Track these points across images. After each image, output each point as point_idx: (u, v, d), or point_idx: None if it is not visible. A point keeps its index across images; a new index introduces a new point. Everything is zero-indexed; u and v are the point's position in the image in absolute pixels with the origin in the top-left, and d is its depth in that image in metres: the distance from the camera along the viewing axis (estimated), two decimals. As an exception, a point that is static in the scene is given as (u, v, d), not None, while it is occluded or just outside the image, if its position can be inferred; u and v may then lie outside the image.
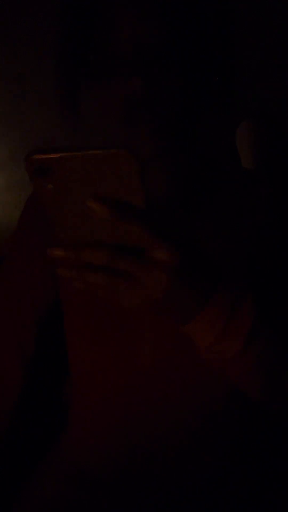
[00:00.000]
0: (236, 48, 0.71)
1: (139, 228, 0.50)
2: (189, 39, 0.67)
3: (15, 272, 0.84)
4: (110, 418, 0.77)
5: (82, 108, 0.73)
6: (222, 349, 0.57)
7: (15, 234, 0.85)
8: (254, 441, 0.79)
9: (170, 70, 0.66)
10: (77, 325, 0.79)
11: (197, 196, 0.74)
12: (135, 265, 0.51)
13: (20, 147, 1.59)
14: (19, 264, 0.84)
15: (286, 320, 0.62)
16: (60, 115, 0.74)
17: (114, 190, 0.48)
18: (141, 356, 0.73)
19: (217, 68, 0.71)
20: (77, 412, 0.83)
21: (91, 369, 0.78)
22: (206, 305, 0.56)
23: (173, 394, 0.74)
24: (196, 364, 0.64)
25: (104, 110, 0.68)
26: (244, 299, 0.57)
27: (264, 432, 0.80)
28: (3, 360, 0.84)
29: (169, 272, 0.52)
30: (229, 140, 1.35)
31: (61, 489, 0.80)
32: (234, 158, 1.34)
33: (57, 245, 0.52)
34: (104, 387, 0.77)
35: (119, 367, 0.75)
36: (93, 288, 0.53)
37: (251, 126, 1.36)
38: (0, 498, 0.84)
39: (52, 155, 0.47)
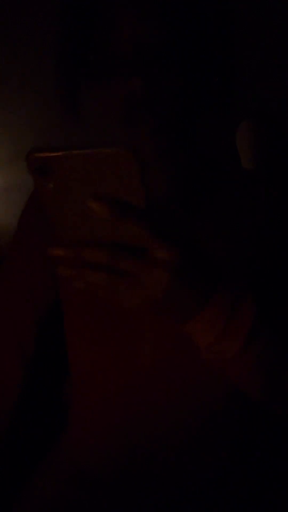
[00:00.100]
0: (236, 48, 0.71)
1: (139, 227, 0.50)
2: (189, 39, 0.67)
3: (15, 272, 0.84)
4: (110, 418, 0.77)
5: (82, 108, 0.73)
6: (222, 349, 0.57)
7: (15, 234, 0.85)
8: (254, 441, 0.79)
9: (170, 70, 0.66)
10: (77, 325, 0.79)
11: (197, 196, 0.74)
12: (135, 264, 0.51)
13: (20, 147, 1.59)
14: (19, 264, 0.84)
15: (286, 320, 0.62)
16: (60, 115, 0.74)
17: (114, 189, 0.48)
18: (141, 356, 0.73)
19: (217, 68, 0.71)
20: (77, 412, 0.83)
21: (91, 369, 0.78)
22: (206, 305, 0.56)
23: (173, 394, 0.73)
24: (196, 364, 0.64)
25: (104, 110, 0.68)
26: (244, 299, 0.57)
27: (264, 432, 0.80)
28: (3, 360, 0.84)
29: (169, 271, 0.52)
30: (229, 140, 1.35)
31: (61, 489, 0.80)
32: (234, 158, 1.34)
33: (58, 245, 0.52)
34: (104, 387, 0.77)
35: (119, 367, 0.75)
36: (93, 288, 0.53)
37: (251, 126, 1.36)
38: (0, 498, 0.84)
39: (53, 154, 0.47)
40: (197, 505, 0.75)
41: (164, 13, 0.65)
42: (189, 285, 0.54)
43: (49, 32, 0.72)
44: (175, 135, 0.69)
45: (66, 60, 0.72)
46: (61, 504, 0.79)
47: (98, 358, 0.76)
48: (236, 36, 0.71)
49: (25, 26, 1.55)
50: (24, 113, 1.62)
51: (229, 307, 0.56)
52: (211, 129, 0.74)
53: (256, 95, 1.43)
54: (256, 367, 0.60)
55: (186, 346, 0.60)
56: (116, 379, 0.75)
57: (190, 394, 0.73)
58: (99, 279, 0.52)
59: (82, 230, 0.51)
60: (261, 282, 0.66)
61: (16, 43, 1.57)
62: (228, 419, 0.75)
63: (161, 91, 0.65)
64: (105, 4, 0.66)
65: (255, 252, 0.73)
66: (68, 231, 0.52)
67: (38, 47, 1.51)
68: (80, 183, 0.48)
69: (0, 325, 0.85)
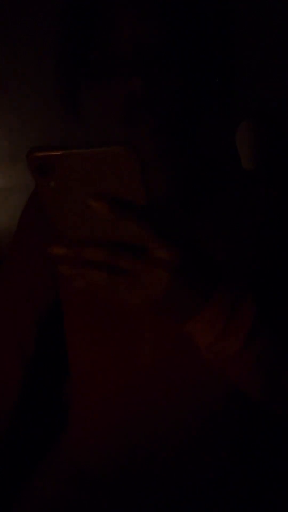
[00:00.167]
0: (236, 48, 0.71)
1: (139, 226, 0.50)
2: (189, 39, 0.67)
3: (15, 272, 0.84)
4: (110, 418, 0.77)
5: (82, 108, 0.73)
6: (222, 349, 0.57)
7: (15, 234, 0.85)
8: (254, 441, 0.79)
9: (170, 70, 0.66)
10: (77, 325, 0.79)
11: (197, 196, 0.74)
12: (135, 264, 0.51)
13: (20, 147, 1.59)
14: (19, 264, 0.84)
15: (286, 320, 0.62)
16: (60, 115, 0.74)
17: (115, 188, 0.48)
18: (141, 356, 0.73)
19: (217, 68, 0.71)
20: (77, 412, 0.83)
21: (91, 369, 0.78)
22: (206, 305, 0.56)
23: (173, 394, 0.73)
24: (196, 364, 0.64)
25: (104, 110, 0.68)
26: (244, 299, 0.57)
27: (264, 432, 0.80)
28: (3, 360, 0.84)
29: (170, 271, 0.52)
30: (229, 140, 1.35)
31: (61, 489, 0.80)
32: (234, 158, 1.33)
33: (58, 244, 0.52)
34: (104, 387, 0.77)
35: (119, 367, 0.75)
36: (93, 287, 0.53)
37: (251, 126, 1.36)
38: (0, 498, 0.84)
39: (53, 153, 0.47)
40: (197, 505, 0.75)
41: (164, 13, 0.65)
42: (189, 285, 0.54)
43: (49, 32, 0.72)
44: (175, 135, 0.69)
45: (66, 60, 0.72)
46: (61, 504, 0.79)
47: (98, 358, 0.76)
48: (236, 36, 0.71)
49: (25, 26, 1.55)
50: (24, 113, 1.62)
51: (229, 307, 0.56)
52: (211, 129, 0.74)
53: (256, 95, 1.43)
54: (256, 367, 0.60)
55: (186, 346, 0.60)
56: (116, 379, 0.75)
57: (190, 394, 0.73)
58: (99, 279, 0.52)
59: (83, 230, 0.51)
60: (261, 282, 0.66)
61: (16, 43, 1.57)
62: (228, 419, 0.75)
63: (161, 91, 0.65)
64: (105, 4, 0.66)
65: (255, 252, 0.73)
66: (69, 230, 0.52)
67: (38, 47, 1.51)
68: (80, 182, 0.48)
69: (0, 325, 0.85)
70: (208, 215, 0.74)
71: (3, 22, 1.56)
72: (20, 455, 0.90)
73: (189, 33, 0.67)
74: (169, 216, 0.71)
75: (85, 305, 0.76)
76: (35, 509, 0.80)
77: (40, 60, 1.47)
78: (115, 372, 0.75)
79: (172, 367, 0.73)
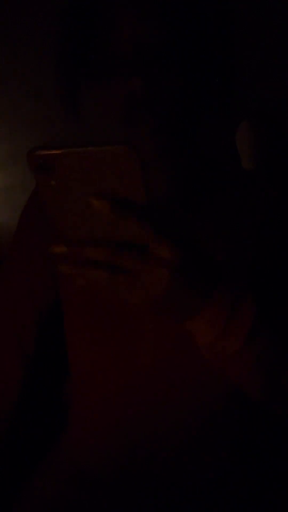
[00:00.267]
0: (236, 48, 0.71)
1: (140, 225, 0.50)
2: (189, 39, 0.67)
3: (15, 272, 0.84)
4: (110, 418, 0.77)
5: (82, 108, 0.73)
6: (222, 349, 0.57)
7: (15, 234, 0.85)
8: (254, 441, 0.79)
9: (170, 70, 0.66)
10: (77, 325, 0.79)
11: (197, 196, 0.74)
12: (136, 263, 0.51)
13: (20, 147, 1.59)
14: (19, 264, 0.84)
15: (286, 320, 0.62)
16: (60, 115, 0.74)
17: (115, 187, 0.48)
18: (141, 356, 0.73)
19: (217, 68, 0.71)
20: (77, 412, 0.83)
21: (91, 369, 0.78)
22: (206, 304, 0.56)
23: (173, 394, 0.73)
24: (196, 364, 0.64)
25: (104, 110, 0.68)
26: (244, 299, 0.57)
27: (264, 432, 0.80)
28: (3, 360, 0.84)
29: (170, 271, 0.52)
30: (229, 140, 1.35)
31: (61, 489, 0.80)
32: (234, 158, 1.34)
33: (59, 242, 0.52)
34: (104, 387, 0.77)
35: (119, 367, 0.75)
36: (93, 286, 0.53)
37: (251, 126, 1.36)
38: (0, 498, 0.84)
39: (54, 151, 0.47)
40: (197, 505, 0.75)
41: (164, 13, 0.65)
42: (189, 284, 0.54)
43: (49, 32, 0.72)
44: (175, 135, 0.69)
45: (66, 60, 0.72)
46: (61, 504, 0.79)
47: (98, 358, 0.76)
48: (236, 36, 0.71)
49: (25, 26, 1.55)
50: (24, 113, 1.62)
51: (229, 307, 0.56)
52: (211, 129, 0.74)
53: (256, 95, 1.43)
54: (256, 367, 0.60)
55: (186, 346, 0.60)
56: (116, 379, 0.75)
57: (190, 394, 0.73)
58: (99, 278, 0.52)
59: (83, 229, 0.51)
60: (261, 282, 0.66)
61: (16, 43, 1.57)
62: (228, 419, 0.75)
63: (161, 91, 0.65)
64: (105, 4, 0.66)
65: (255, 252, 0.73)
66: (69, 229, 0.52)
67: (38, 47, 1.51)
68: (81, 181, 0.48)
69: (0, 325, 0.85)
70: (208, 215, 0.74)
71: (3, 22, 1.56)
72: (20, 455, 0.90)
73: (189, 33, 0.67)
74: (169, 216, 0.71)
75: (85, 305, 0.76)
76: (35, 509, 0.80)
77: (40, 60, 1.47)
78: (115, 372, 0.75)
79: (172, 367, 0.73)
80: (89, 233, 0.51)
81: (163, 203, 0.73)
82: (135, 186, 0.48)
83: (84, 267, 0.52)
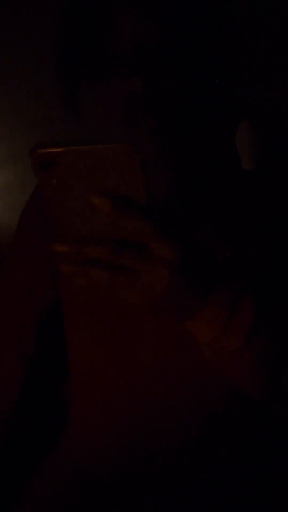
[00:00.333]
0: (236, 48, 0.71)
1: (140, 223, 0.50)
2: (189, 39, 0.67)
3: (15, 272, 0.84)
4: (110, 418, 0.77)
5: (82, 108, 0.73)
6: (222, 349, 0.57)
7: (15, 234, 0.85)
8: (254, 441, 0.79)
9: (170, 70, 0.66)
10: (77, 325, 0.79)
11: (197, 196, 0.74)
12: (136, 262, 0.51)
13: (20, 147, 1.59)
14: (19, 264, 0.84)
15: (286, 320, 0.62)
16: (60, 115, 0.74)
17: (117, 185, 0.49)
18: (141, 356, 0.73)
19: (217, 68, 0.71)
20: (77, 412, 0.83)
21: (91, 369, 0.78)
22: (206, 304, 0.56)
23: (173, 394, 0.74)
24: (196, 364, 0.64)
25: (104, 110, 0.68)
26: (244, 299, 0.57)
27: (264, 432, 0.80)
28: (3, 360, 0.84)
29: (170, 270, 0.52)
30: (229, 140, 1.35)
31: (61, 489, 0.80)
32: (234, 158, 1.34)
33: (60, 241, 0.52)
34: (104, 387, 0.77)
35: (119, 367, 0.75)
36: (94, 285, 0.53)
37: (251, 126, 1.36)
38: (0, 498, 0.84)
39: (56, 149, 0.47)
40: (197, 505, 0.75)
41: (164, 13, 0.65)
42: (189, 284, 0.54)
43: (49, 32, 0.72)
44: (175, 135, 0.69)
45: (66, 60, 0.72)
46: (61, 504, 0.79)
47: (98, 358, 0.76)
48: (236, 36, 0.71)
49: (25, 26, 1.55)
50: (24, 113, 1.62)
51: (229, 306, 0.56)
52: (211, 129, 0.74)
53: (256, 95, 1.43)
54: (256, 367, 0.60)
55: (186, 346, 0.60)
56: (116, 379, 0.75)
57: (190, 394, 0.73)
58: (100, 277, 0.52)
59: (84, 228, 0.51)
60: (261, 282, 0.66)
61: (16, 43, 1.57)
62: (228, 419, 0.75)
63: (161, 91, 0.65)
64: (105, 4, 0.66)
65: (255, 252, 0.73)
66: (70, 228, 0.52)
67: (38, 47, 1.51)
68: (82, 179, 0.48)
69: (0, 325, 0.85)
70: (208, 215, 0.74)
71: (3, 22, 1.56)
72: (20, 455, 0.90)
73: (189, 33, 0.67)
74: (169, 216, 0.71)
75: (85, 305, 0.76)
76: (35, 509, 0.80)
77: (40, 60, 1.47)
78: (115, 372, 0.75)
79: (172, 367, 0.73)
80: (90, 232, 0.51)
81: (163, 203, 0.73)
82: (136, 184, 0.49)
83: (84, 266, 0.52)
